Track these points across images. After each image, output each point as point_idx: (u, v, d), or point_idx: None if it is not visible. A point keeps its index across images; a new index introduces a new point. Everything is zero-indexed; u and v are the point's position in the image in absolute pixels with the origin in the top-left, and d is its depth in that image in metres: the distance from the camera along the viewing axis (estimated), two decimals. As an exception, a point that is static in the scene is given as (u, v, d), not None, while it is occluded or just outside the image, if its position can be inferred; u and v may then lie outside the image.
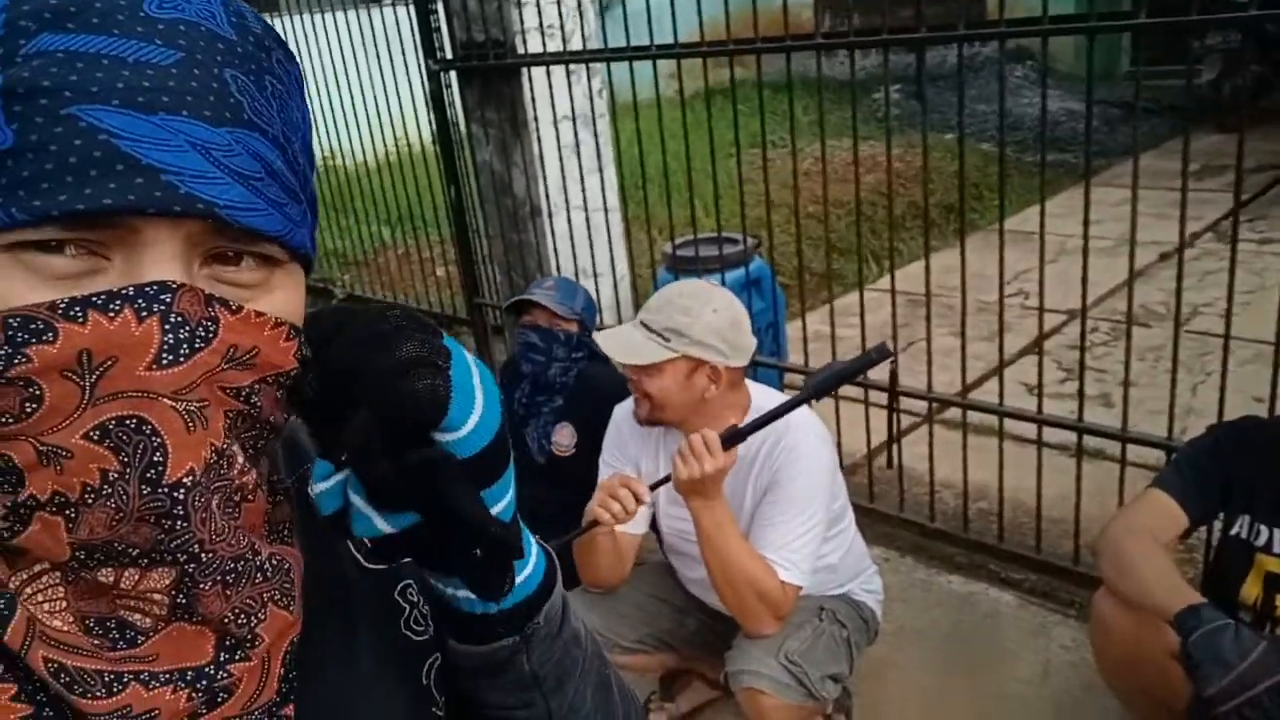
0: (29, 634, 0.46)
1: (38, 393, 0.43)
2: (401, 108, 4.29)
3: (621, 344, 1.99)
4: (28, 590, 0.46)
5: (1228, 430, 1.86)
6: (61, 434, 0.43)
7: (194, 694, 0.48)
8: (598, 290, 3.54)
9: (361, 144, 4.57)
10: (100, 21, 0.44)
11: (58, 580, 0.47)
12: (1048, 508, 2.62)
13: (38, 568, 0.47)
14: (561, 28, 3.30)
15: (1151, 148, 6.67)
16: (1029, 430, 2.72)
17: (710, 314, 1.97)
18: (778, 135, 6.27)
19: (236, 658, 0.49)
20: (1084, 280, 2.41)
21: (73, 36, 0.44)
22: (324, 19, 4.50)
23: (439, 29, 3.70)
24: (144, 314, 0.43)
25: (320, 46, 4.60)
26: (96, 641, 0.47)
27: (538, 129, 3.44)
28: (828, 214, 3.27)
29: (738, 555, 1.85)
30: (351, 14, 4.49)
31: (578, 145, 3.42)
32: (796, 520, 1.91)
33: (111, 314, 0.43)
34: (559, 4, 3.22)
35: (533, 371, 2.65)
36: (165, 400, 0.44)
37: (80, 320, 0.43)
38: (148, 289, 0.44)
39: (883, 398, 2.90)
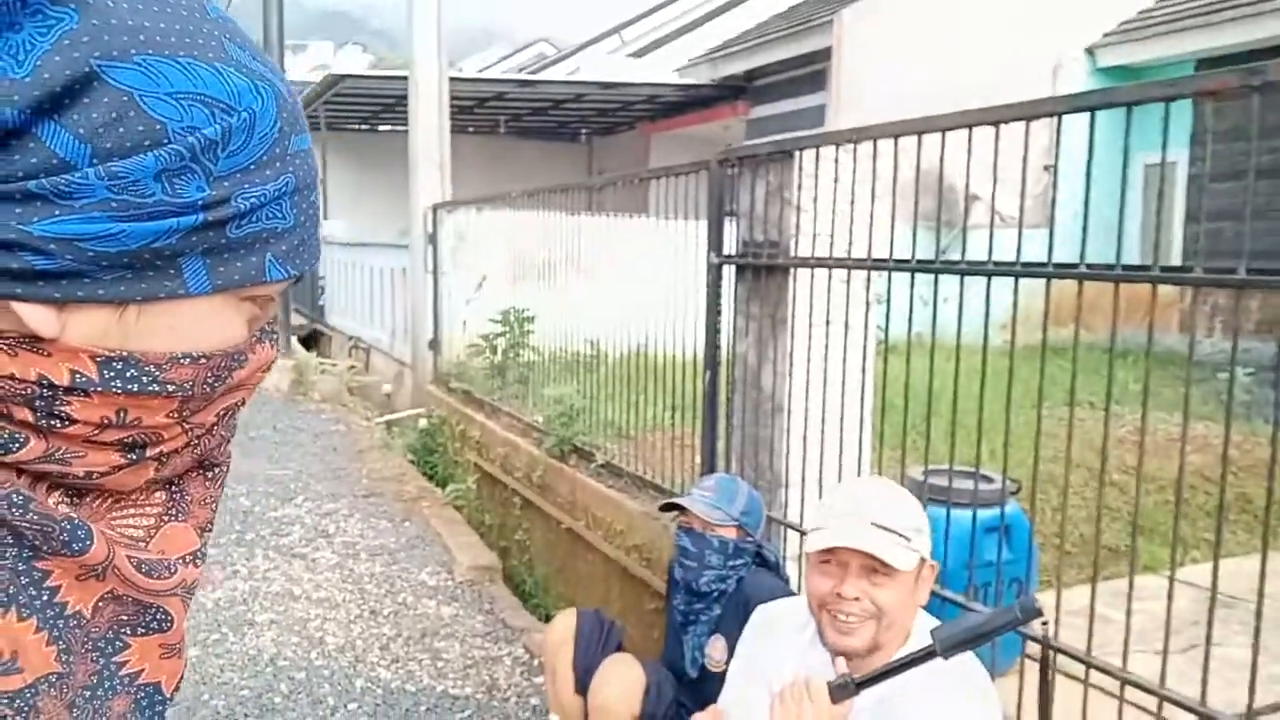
0: (110, 548, 0.57)
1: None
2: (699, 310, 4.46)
3: (869, 545, 1.74)
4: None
5: None
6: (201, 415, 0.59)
7: (197, 564, 0.64)
8: (820, 499, 3.37)
9: (669, 340, 4.78)
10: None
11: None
12: None
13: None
14: (831, 235, 3.31)
15: None
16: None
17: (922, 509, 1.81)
18: (1092, 392, 5.79)
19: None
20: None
21: (304, 137, 0.57)
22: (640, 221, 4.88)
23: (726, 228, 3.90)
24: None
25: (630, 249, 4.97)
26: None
27: (793, 327, 3.44)
28: (1103, 481, 2.88)
29: None
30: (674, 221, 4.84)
31: (827, 349, 3.36)
32: None
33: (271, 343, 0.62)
34: (833, 210, 3.26)
35: (684, 578, 2.53)
36: None
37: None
38: None
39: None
